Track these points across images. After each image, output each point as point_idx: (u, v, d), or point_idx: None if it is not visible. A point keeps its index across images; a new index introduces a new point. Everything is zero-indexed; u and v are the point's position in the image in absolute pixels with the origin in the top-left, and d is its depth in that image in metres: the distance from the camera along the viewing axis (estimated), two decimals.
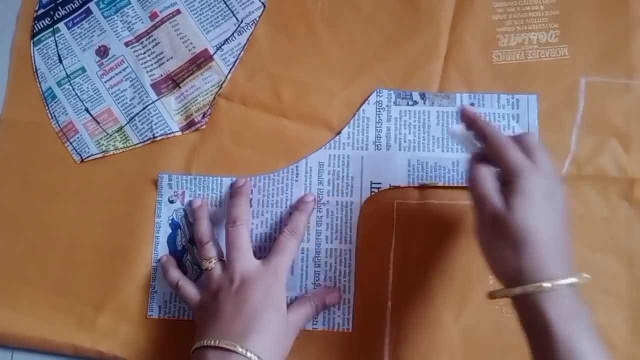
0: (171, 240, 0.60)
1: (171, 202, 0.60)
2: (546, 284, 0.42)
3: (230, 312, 0.51)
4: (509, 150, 0.47)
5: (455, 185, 0.60)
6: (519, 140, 0.48)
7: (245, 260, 0.55)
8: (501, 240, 0.45)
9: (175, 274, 0.59)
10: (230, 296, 0.52)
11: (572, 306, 0.43)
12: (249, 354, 0.48)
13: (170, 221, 0.60)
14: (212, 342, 0.49)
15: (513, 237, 0.44)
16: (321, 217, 0.61)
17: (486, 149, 0.49)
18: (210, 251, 0.57)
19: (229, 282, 0.53)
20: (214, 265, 0.55)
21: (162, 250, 0.60)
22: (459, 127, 0.52)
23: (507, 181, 0.46)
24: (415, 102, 0.62)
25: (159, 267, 0.60)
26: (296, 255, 0.59)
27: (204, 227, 0.59)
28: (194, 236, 0.59)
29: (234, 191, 0.60)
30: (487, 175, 0.48)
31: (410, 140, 0.61)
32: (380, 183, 0.61)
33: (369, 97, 0.63)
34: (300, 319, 0.56)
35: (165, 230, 0.60)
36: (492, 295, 0.46)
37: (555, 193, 0.46)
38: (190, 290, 0.57)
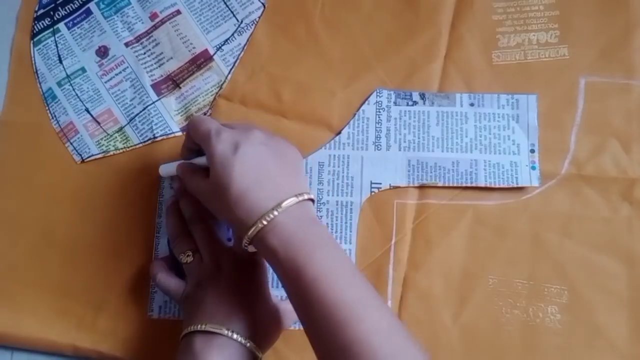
0: None
1: None
2: (259, 223, 0.46)
3: (215, 297, 0.51)
4: (192, 132, 0.53)
5: (455, 185, 0.60)
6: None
7: (222, 249, 0.55)
8: (220, 205, 0.50)
9: (157, 268, 0.58)
10: (213, 283, 0.53)
11: (286, 228, 0.46)
12: (234, 336, 0.49)
13: None
14: (199, 326, 0.49)
15: (222, 199, 0.48)
16: (321, 217, 0.61)
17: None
18: (183, 245, 0.57)
19: (210, 270, 0.54)
20: (191, 257, 0.55)
21: (163, 251, 0.60)
22: (166, 167, 0.59)
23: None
24: (415, 102, 0.62)
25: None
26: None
27: (172, 223, 0.59)
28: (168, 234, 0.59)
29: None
30: (190, 171, 0.54)
31: (410, 141, 0.61)
32: (380, 183, 0.61)
33: (369, 97, 0.63)
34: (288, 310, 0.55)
35: (165, 232, 0.60)
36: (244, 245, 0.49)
37: (238, 144, 0.49)
38: (171, 282, 0.57)
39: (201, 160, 0.55)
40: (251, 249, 0.49)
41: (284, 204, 0.47)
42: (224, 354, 0.48)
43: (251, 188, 0.48)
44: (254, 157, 0.49)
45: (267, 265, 0.54)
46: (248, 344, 0.49)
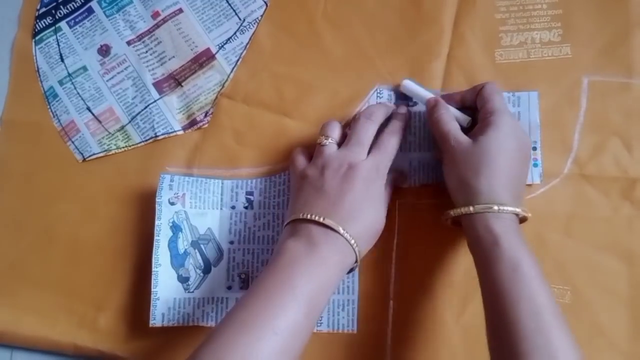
0: (172, 244, 0.59)
1: (172, 204, 0.60)
2: (495, 207, 0.50)
3: (334, 194, 0.52)
4: (492, 96, 0.55)
5: None
6: (476, 88, 0.58)
7: (359, 153, 0.55)
8: (463, 165, 0.53)
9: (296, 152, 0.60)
10: (336, 178, 0.53)
11: (513, 227, 0.51)
12: (349, 238, 0.51)
13: (171, 224, 0.60)
14: (317, 217, 0.51)
15: (474, 163, 0.52)
16: None
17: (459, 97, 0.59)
18: (334, 131, 0.58)
19: (338, 165, 0.54)
20: (328, 143, 0.56)
21: (163, 254, 0.59)
22: (410, 82, 0.61)
23: (482, 119, 0.55)
24: (415, 103, 0.62)
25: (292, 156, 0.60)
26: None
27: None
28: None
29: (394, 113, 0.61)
30: (448, 116, 0.56)
31: (411, 141, 0.61)
32: None
33: (369, 98, 0.62)
34: (381, 153, 0.57)
35: (166, 233, 0.60)
36: (447, 216, 0.55)
37: (520, 136, 0.54)
38: (300, 159, 0.58)
39: (458, 114, 0.58)
40: (449, 221, 0.55)
41: (520, 207, 0.52)
42: (336, 250, 0.51)
43: (510, 173, 0.52)
44: (522, 158, 0.54)
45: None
46: (356, 248, 0.51)
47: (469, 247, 0.53)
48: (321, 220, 0.50)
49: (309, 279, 0.48)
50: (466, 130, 0.56)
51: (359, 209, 0.52)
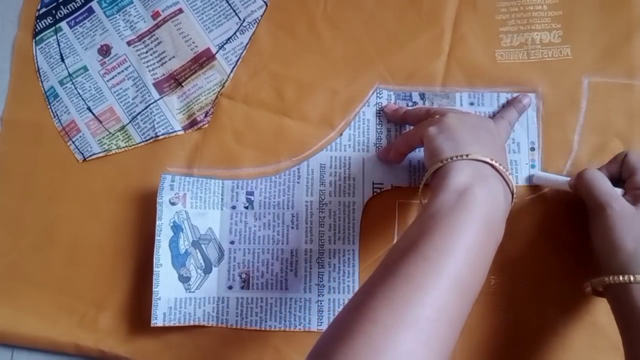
0: (173, 244, 0.59)
1: (172, 204, 0.60)
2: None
3: (472, 131, 0.52)
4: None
5: None
6: (618, 159, 0.56)
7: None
8: (626, 234, 0.50)
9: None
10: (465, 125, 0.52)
11: None
12: (501, 167, 0.49)
13: (171, 224, 0.60)
14: (505, 170, 0.49)
15: (638, 233, 0.50)
16: (324, 217, 0.61)
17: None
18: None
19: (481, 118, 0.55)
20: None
21: (164, 254, 0.59)
22: (542, 173, 0.60)
23: (633, 187, 0.54)
24: (415, 103, 0.62)
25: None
26: None
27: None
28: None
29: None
30: (605, 177, 0.54)
31: None
32: (382, 183, 0.61)
33: (368, 98, 0.62)
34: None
35: (166, 234, 0.60)
36: (596, 284, 0.52)
37: None
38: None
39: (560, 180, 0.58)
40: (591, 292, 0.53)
41: None
42: (501, 190, 0.48)
43: None
44: None
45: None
46: (513, 188, 0.50)
47: (618, 318, 0.51)
48: (502, 169, 0.49)
49: (483, 226, 0.46)
50: None
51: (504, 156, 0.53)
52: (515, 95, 0.61)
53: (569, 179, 0.57)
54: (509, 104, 0.61)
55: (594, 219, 0.53)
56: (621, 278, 0.49)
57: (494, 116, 0.61)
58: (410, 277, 0.41)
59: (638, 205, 0.51)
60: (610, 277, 0.50)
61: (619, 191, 0.54)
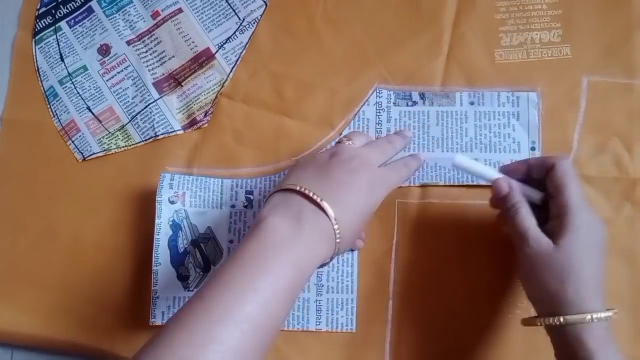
0: (172, 243, 0.59)
1: (172, 202, 0.60)
2: (589, 317, 0.46)
3: (336, 182, 0.48)
4: (566, 181, 0.50)
5: (456, 184, 0.60)
6: (546, 164, 0.52)
7: (375, 158, 0.52)
8: (546, 273, 0.48)
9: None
10: (344, 168, 0.49)
11: (607, 338, 0.46)
12: (337, 230, 0.46)
13: (171, 223, 0.60)
14: (315, 197, 0.46)
15: (560, 271, 0.47)
16: None
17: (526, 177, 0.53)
18: (358, 138, 0.54)
19: (349, 157, 0.50)
20: (347, 143, 0.53)
21: (163, 253, 0.59)
22: (463, 157, 0.54)
23: (556, 215, 0.50)
24: (415, 103, 0.62)
25: None
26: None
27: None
28: None
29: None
30: (527, 212, 0.51)
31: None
32: None
33: (368, 98, 0.62)
34: (389, 171, 0.53)
35: (166, 232, 0.60)
36: (529, 323, 0.50)
37: (599, 231, 0.49)
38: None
39: (529, 191, 0.53)
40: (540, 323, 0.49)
41: (612, 309, 0.47)
42: (320, 239, 0.46)
43: (597, 277, 0.48)
44: (603, 251, 0.50)
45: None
46: (338, 243, 0.47)
47: (557, 357, 0.49)
48: (319, 200, 0.46)
49: (288, 268, 0.44)
50: (539, 207, 0.52)
51: (355, 208, 0.48)
52: (515, 94, 0.61)
53: (498, 176, 0.53)
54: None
55: (516, 254, 0.52)
56: (552, 321, 0.47)
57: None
58: (179, 319, 0.41)
59: (558, 241, 0.48)
60: (543, 320, 0.48)
61: (536, 198, 0.52)
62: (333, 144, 0.62)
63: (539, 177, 0.52)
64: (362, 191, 0.49)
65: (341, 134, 0.62)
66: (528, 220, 0.50)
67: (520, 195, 0.52)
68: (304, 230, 0.45)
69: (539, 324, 0.49)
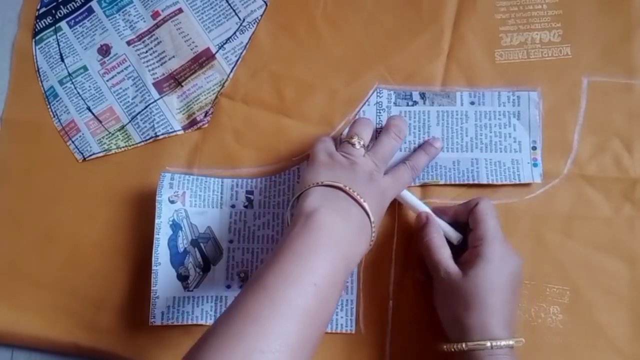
0: (172, 242, 0.60)
1: (172, 202, 0.60)
2: (488, 344, 0.49)
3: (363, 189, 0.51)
4: (484, 217, 0.54)
5: (457, 183, 0.60)
6: (469, 204, 0.56)
7: (381, 169, 0.55)
8: (454, 299, 0.52)
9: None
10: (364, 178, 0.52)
11: None
12: (374, 229, 0.51)
13: (170, 222, 0.60)
14: (358, 197, 0.50)
15: (466, 299, 0.51)
16: None
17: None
18: (366, 132, 0.56)
19: (363, 170, 0.53)
20: (359, 147, 0.55)
21: (163, 252, 0.59)
22: (405, 192, 0.59)
23: (472, 245, 0.54)
24: (415, 103, 0.62)
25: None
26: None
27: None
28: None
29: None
30: (439, 241, 0.55)
31: (411, 141, 0.61)
32: None
33: (368, 98, 0.62)
34: (394, 181, 0.56)
35: (165, 232, 0.60)
36: (437, 348, 0.54)
37: (510, 264, 0.53)
38: (329, 140, 0.57)
39: (449, 230, 0.57)
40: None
41: (513, 337, 0.50)
42: (366, 236, 0.50)
43: (503, 306, 0.51)
44: (514, 282, 0.53)
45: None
46: (374, 235, 0.51)
47: None
48: (362, 201, 0.50)
49: (343, 264, 0.47)
50: (458, 247, 0.56)
51: (379, 213, 0.53)
52: (515, 93, 0.61)
53: (423, 209, 0.58)
54: (419, 147, 0.60)
55: (433, 280, 0.56)
56: (455, 347, 0.51)
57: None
58: (245, 310, 0.41)
59: (467, 271, 0.52)
60: (447, 345, 0.52)
61: (454, 238, 0.57)
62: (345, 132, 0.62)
63: (464, 218, 0.56)
64: (378, 198, 0.52)
65: (341, 134, 0.62)
66: (441, 251, 0.54)
67: (435, 228, 0.56)
68: (353, 228, 0.49)
69: (445, 349, 0.52)
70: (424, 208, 0.58)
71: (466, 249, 0.55)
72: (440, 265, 0.53)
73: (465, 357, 0.50)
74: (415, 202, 0.58)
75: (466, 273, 0.52)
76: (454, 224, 0.57)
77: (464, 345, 0.50)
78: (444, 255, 0.54)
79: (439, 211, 0.58)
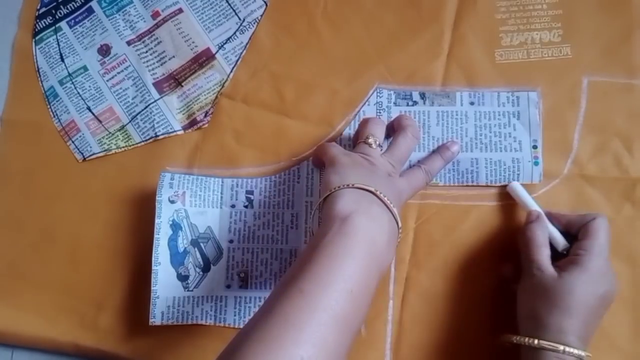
0: (172, 242, 0.59)
1: (172, 202, 0.60)
2: (561, 347, 0.48)
3: (367, 172, 0.52)
4: (598, 233, 0.52)
5: (456, 184, 0.60)
6: (585, 218, 0.54)
7: (398, 170, 0.55)
8: (539, 296, 0.51)
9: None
10: (379, 171, 0.53)
11: None
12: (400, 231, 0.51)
13: (170, 222, 0.59)
14: (387, 199, 0.50)
15: (553, 298, 0.50)
16: None
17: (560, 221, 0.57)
18: (379, 131, 0.57)
19: (382, 170, 0.53)
20: (375, 146, 0.55)
21: (163, 252, 0.59)
22: (517, 186, 0.59)
23: (574, 253, 0.52)
24: (415, 103, 0.62)
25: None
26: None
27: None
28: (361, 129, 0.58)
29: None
30: (543, 240, 0.54)
31: None
32: None
33: (369, 98, 0.62)
34: (409, 185, 0.56)
35: (165, 232, 0.59)
36: (506, 339, 0.53)
37: (608, 283, 0.52)
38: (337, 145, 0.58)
39: (557, 236, 0.56)
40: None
41: (585, 352, 0.50)
42: (392, 234, 0.49)
43: (586, 319, 0.50)
44: (605, 302, 0.52)
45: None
46: (398, 242, 0.52)
47: None
48: (391, 206, 0.49)
49: (376, 271, 0.47)
50: (560, 255, 0.55)
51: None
52: (515, 93, 0.61)
53: (536, 209, 0.57)
54: (435, 151, 0.60)
55: (521, 268, 0.55)
56: (528, 340, 0.50)
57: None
58: (284, 314, 0.41)
59: (562, 273, 0.51)
60: (521, 338, 0.51)
61: (560, 244, 0.55)
62: (355, 123, 0.62)
63: (574, 231, 0.55)
64: (398, 201, 0.52)
65: (341, 134, 0.62)
66: (541, 249, 0.54)
67: (541, 227, 0.55)
68: (386, 235, 0.48)
69: (514, 341, 0.52)
70: (536, 208, 0.57)
71: (566, 257, 0.54)
72: (535, 261, 0.53)
73: (530, 354, 0.50)
74: (528, 200, 0.58)
75: (561, 275, 0.51)
76: (564, 233, 0.56)
77: (536, 341, 0.49)
78: (543, 254, 0.53)
79: (553, 217, 0.57)
